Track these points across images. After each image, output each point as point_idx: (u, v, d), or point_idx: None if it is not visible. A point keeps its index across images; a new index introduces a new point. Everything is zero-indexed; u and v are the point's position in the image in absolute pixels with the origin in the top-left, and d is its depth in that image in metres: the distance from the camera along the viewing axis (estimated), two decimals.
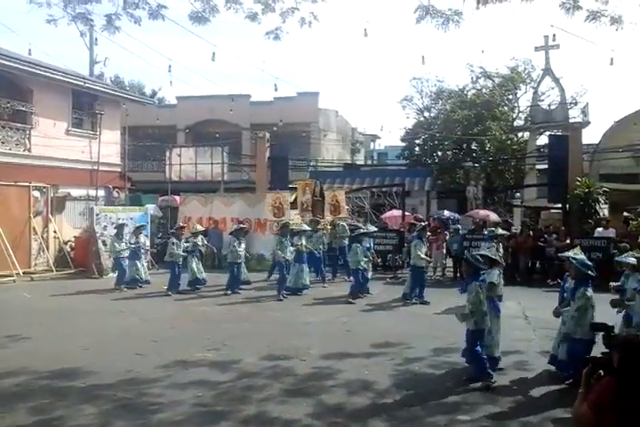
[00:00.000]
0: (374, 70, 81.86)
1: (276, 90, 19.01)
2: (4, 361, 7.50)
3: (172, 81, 40.38)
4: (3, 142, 17.18)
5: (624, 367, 2.93)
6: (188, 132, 31.44)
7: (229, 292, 13.05)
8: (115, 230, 14.76)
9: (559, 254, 10.12)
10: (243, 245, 13.58)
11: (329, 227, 16.25)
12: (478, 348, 6.71)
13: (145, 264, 14.92)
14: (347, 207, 18.49)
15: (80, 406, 5.88)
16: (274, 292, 12.93)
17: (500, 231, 12.58)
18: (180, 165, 22.25)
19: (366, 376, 6.94)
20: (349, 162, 33.53)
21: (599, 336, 3.47)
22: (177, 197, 20.28)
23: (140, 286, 14.12)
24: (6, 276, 14.98)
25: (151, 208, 19.24)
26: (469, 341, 6.79)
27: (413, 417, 5.70)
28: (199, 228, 14.89)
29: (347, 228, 15.64)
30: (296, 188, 18.83)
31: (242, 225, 14.70)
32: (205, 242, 14.59)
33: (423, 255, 12.38)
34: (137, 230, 14.72)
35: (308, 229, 14.15)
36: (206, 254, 15.41)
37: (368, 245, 13.49)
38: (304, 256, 13.47)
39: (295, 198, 18.36)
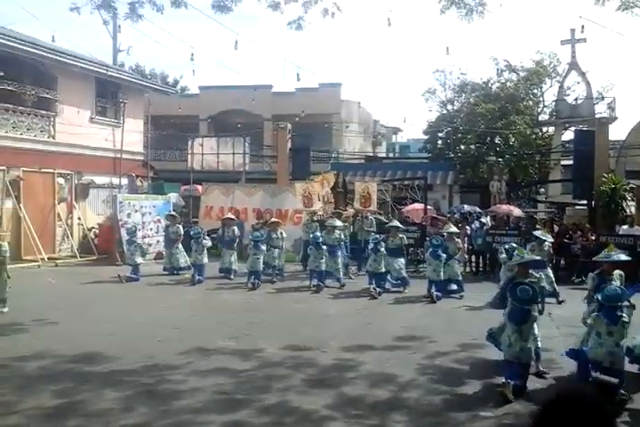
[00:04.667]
0: (397, 62, 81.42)
1: (298, 80, 18.82)
2: (30, 344, 7.61)
3: (194, 70, 40.18)
4: (28, 129, 17.32)
5: None
6: (210, 122, 31.48)
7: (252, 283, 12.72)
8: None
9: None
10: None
11: (351, 219, 16.06)
12: None
13: (182, 251, 14.56)
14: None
15: (102, 391, 5.93)
16: (296, 283, 13.09)
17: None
18: (202, 154, 22.24)
19: (388, 369, 6.90)
20: (371, 154, 33.34)
21: None
22: (199, 187, 20.35)
23: (177, 273, 14.22)
24: (32, 261, 15.23)
25: (174, 197, 19.34)
26: None
27: (434, 412, 5.64)
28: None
29: (374, 222, 15.57)
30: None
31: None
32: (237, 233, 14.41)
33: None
34: (172, 218, 14.92)
35: (340, 224, 13.93)
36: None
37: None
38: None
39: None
